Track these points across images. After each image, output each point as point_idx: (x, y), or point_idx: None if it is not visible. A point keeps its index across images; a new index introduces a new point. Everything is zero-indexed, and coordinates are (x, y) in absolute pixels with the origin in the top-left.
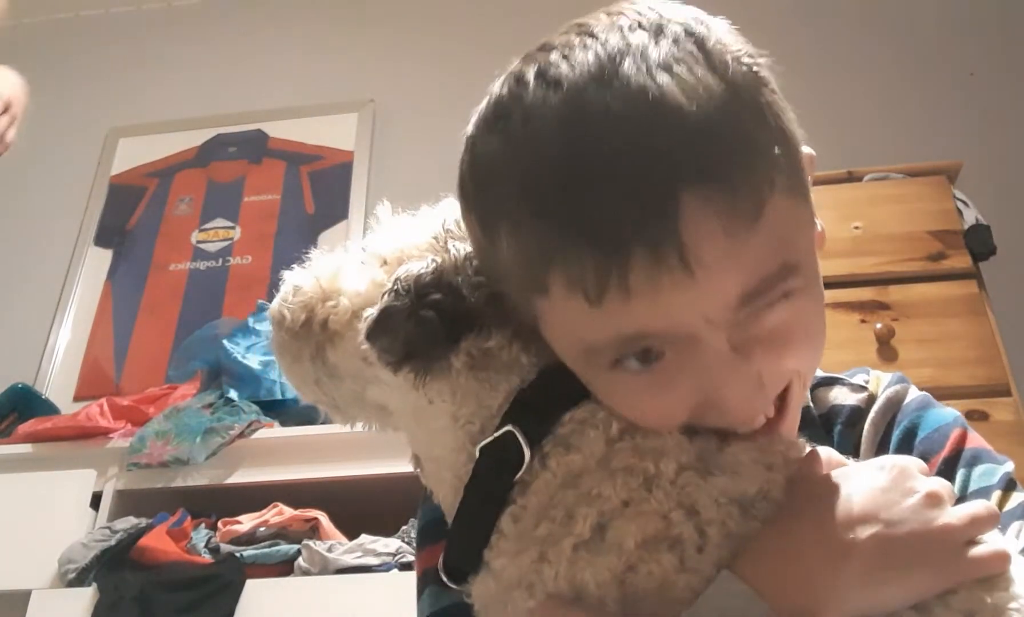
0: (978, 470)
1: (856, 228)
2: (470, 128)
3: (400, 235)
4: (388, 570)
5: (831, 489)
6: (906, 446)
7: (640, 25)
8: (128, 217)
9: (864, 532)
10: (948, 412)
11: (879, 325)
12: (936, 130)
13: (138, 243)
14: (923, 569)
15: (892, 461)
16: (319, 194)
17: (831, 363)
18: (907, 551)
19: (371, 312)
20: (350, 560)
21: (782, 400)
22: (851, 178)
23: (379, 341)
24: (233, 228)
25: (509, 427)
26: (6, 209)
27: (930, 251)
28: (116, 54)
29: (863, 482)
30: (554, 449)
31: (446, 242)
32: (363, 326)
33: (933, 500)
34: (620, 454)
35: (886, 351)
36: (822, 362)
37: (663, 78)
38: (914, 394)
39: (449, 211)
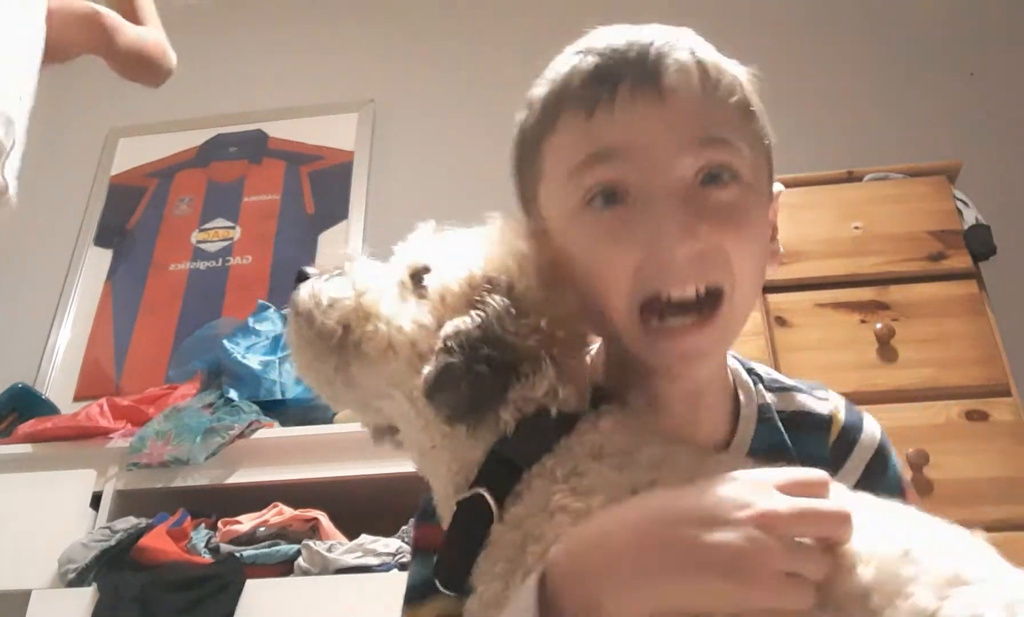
0: None
1: (856, 228)
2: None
3: (440, 260)
4: (388, 570)
5: (654, 493)
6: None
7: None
8: (128, 217)
9: (652, 532)
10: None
11: (879, 325)
12: (936, 130)
13: (138, 243)
14: (713, 580)
15: (758, 472)
16: (319, 194)
17: (831, 363)
18: (698, 557)
19: (428, 370)
20: (350, 560)
21: (713, 309)
22: (851, 178)
23: (439, 397)
24: (233, 228)
25: (480, 490)
26: None
27: (930, 251)
28: None
29: (703, 487)
30: (511, 504)
31: (483, 296)
32: (423, 384)
33: (766, 519)
34: (558, 495)
35: (886, 351)
36: (820, 360)
37: (671, 28)
38: (877, 428)
39: (482, 253)
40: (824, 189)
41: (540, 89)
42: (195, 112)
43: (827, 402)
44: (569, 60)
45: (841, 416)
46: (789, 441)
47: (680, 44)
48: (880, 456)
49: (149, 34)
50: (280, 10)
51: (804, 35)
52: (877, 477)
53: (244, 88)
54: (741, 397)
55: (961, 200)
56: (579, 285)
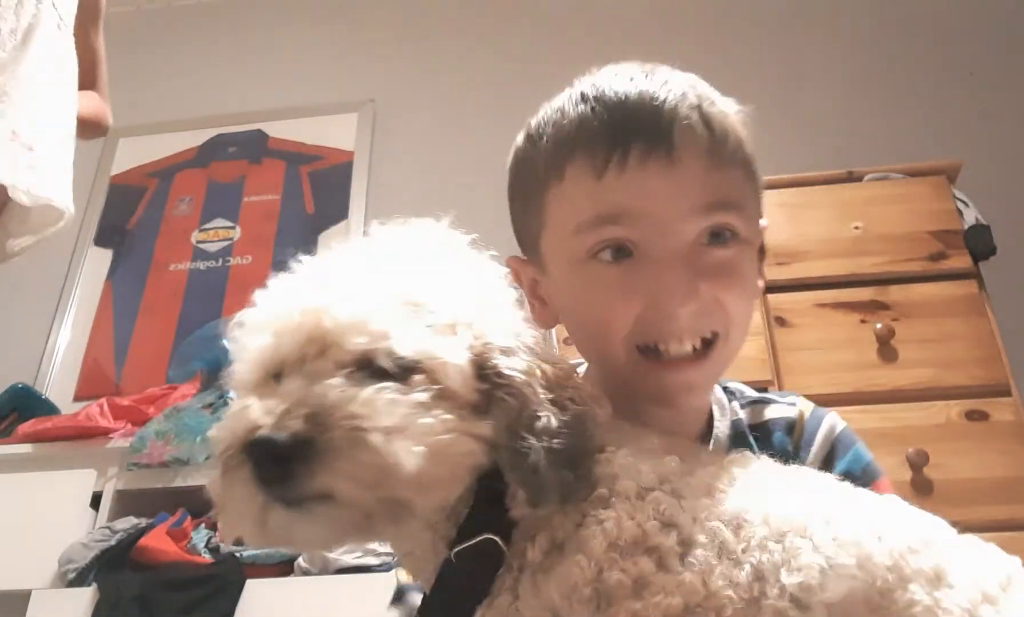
0: None
1: (856, 228)
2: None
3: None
4: (388, 570)
5: None
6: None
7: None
8: (128, 217)
9: None
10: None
11: (879, 325)
12: (936, 130)
13: (138, 243)
14: None
15: None
16: (319, 194)
17: (831, 363)
18: None
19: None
20: (350, 560)
21: (709, 350)
22: (851, 178)
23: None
24: (233, 228)
25: (488, 536)
26: None
27: (930, 251)
28: (116, 54)
29: None
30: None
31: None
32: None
33: None
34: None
35: (886, 351)
36: (820, 360)
37: (679, 77)
38: (838, 424)
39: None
40: (824, 189)
41: (545, 128)
42: (195, 112)
43: (794, 407)
44: (577, 106)
45: (806, 416)
46: (757, 448)
47: (688, 98)
48: (839, 445)
49: (89, 101)
50: (280, 10)
51: (804, 35)
52: (832, 464)
53: (244, 88)
54: (716, 413)
55: (961, 200)
56: (577, 326)
